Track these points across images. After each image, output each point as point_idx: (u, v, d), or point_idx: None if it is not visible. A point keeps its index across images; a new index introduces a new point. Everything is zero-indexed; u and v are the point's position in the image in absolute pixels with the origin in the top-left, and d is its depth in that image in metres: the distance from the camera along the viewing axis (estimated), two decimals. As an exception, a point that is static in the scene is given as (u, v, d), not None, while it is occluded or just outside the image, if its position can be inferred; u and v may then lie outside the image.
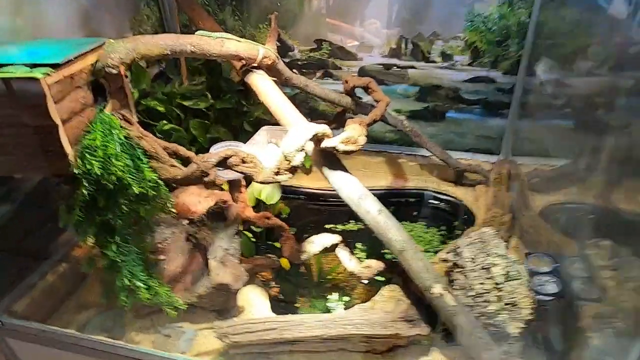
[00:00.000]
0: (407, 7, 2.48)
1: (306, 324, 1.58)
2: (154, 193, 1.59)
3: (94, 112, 1.57)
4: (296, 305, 2.24)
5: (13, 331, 1.74)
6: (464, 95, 2.54)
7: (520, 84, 2.41)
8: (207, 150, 2.25)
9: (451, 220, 2.55)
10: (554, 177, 2.35)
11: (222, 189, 2.10)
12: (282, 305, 2.19)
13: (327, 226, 2.59)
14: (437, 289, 1.55)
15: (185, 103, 2.32)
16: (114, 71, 1.57)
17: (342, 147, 1.77)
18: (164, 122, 2.23)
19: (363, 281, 1.86)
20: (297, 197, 2.80)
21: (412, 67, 2.53)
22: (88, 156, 1.45)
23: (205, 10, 2.53)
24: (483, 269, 1.58)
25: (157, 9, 2.60)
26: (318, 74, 2.70)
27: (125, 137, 1.54)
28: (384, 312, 1.65)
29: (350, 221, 2.60)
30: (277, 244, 2.42)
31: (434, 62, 2.48)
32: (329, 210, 2.79)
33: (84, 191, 1.47)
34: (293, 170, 1.70)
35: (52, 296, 1.94)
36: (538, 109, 2.39)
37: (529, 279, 1.52)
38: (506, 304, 1.51)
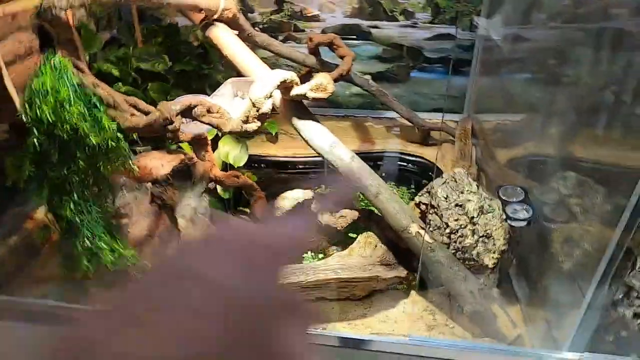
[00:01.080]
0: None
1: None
2: (113, 144, 1.49)
3: (40, 57, 1.44)
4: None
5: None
6: (426, 54, 2.56)
7: (480, 41, 2.46)
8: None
9: (419, 179, 2.58)
10: (514, 131, 2.42)
11: (185, 154, 2.01)
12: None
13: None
14: (414, 227, 1.55)
15: (142, 65, 2.19)
16: (62, 14, 1.45)
17: (311, 94, 1.73)
18: (120, 84, 2.09)
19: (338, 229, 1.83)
20: (264, 167, 2.73)
21: (376, 26, 2.52)
22: (37, 101, 1.33)
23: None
24: (457, 205, 1.59)
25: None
26: (280, 38, 2.64)
27: (78, 84, 1.43)
28: (362, 257, 1.63)
29: (321, 186, 2.57)
30: (247, 209, 2.36)
31: (396, 20, 2.48)
32: (296, 179, 2.75)
33: (34, 141, 1.35)
34: (262, 117, 1.64)
35: (1, 270, 1.78)
36: (497, 65, 2.45)
37: (501, 211, 1.55)
38: (481, 237, 1.53)
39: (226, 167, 2.26)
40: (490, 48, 2.46)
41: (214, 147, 2.22)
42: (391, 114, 2.69)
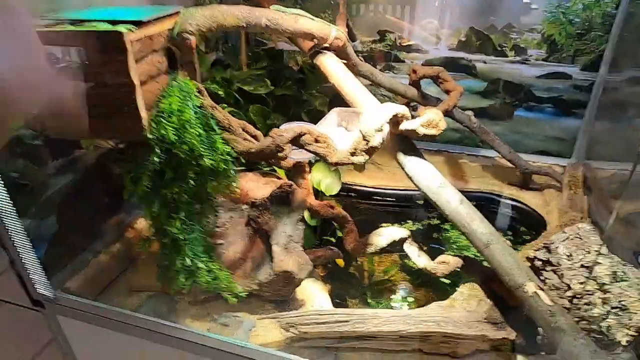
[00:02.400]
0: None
1: (381, 317, 1.44)
2: (225, 167, 1.50)
3: (167, 79, 1.50)
4: (350, 306, 2.10)
5: (64, 307, 1.65)
6: (535, 92, 2.39)
7: (600, 81, 2.25)
8: (265, 136, 2.16)
9: (517, 227, 2.38)
10: (635, 182, 2.16)
11: (279, 178, 2.01)
12: (337, 304, 2.05)
13: (383, 225, 2.45)
14: (531, 286, 1.39)
15: (245, 87, 2.25)
16: (191, 37, 1.51)
17: (422, 130, 1.65)
18: (224, 104, 2.15)
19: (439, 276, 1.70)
20: (349, 195, 2.67)
21: (482, 61, 2.40)
22: (163, 121, 1.37)
23: (268, -3, 2.48)
24: (583, 267, 1.41)
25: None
26: (379, 67, 2.60)
27: (199, 106, 1.47)
28: (466, 311, 1.49)
29: (408, 221, 2.46)
30: (332, 239, 2.31)
31: (505, 56, 2.35)
32: (382, 210, 2.66)
33: (155, 158, 1.39)
34: (371, 151, 1.58)
35: (103, 276, 1.85)
36: (619, 109, 2.22)
37: (639, 282, 1.35)
38: (613, 308, 1.33)
39: (317, 194, 2.22)
40: (611, 90, 2.24)
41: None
42: (488, 153, 2.53)
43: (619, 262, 1.41)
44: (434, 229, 2.44)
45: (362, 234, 1.94)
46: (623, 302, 1.33)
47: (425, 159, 1.72)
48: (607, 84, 2.24)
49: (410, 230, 2.41)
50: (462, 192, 2.52)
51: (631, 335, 1.32)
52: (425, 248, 2.29)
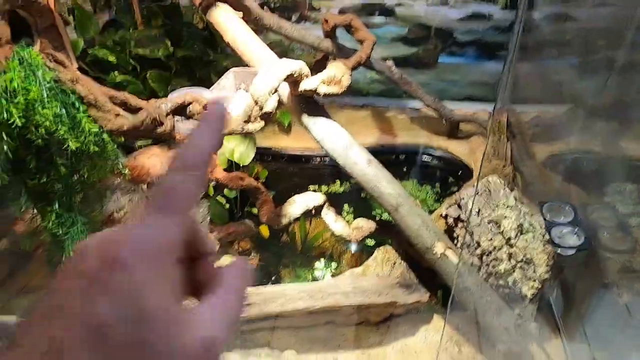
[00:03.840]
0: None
1: (288, 295, 1.35)
2: (97, 149, 1.31)
3: (11, 50, 1.26)
4: (279, 276, 2.03)
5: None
6: (458, 36, 2.27)
7: (519, 21, 2.15)
8: (168, 105, 1.95)
9: (446, 176, 2.34)
10: (557, 124, 2.14)
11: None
12: (264, 277, 1.97)
13: (310, 188, 2.35)
14: (440, 247, 1.33)
15: (141, 51, 2.00)
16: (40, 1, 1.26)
17: (323, 89, 1.51)
18: (116, 72, 1.91)
19: (352, 245, 1.63)
20: (275, 160, 2.54)
21: (399, 4, 2.23)
22: (4, 102, 1.16)
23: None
24: (491, 222, 1.36)
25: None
26: (293, 18, 2.39)
27: (54, 81, 1.25)
28: (378, 278, 1.43)
29: (336, 181, 2.36)
30: (254, 211, 2.19)
31: (425, -3, 2.20)
32: (311, 173, 2.55)
33: (3, 146, 1.18)
34: (266, 117, 1.43)
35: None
36: (540, 49, 2.15)
37: (544, 232, 1.31)
38: (519, 262, 1.30)
39: (232, 164, 2.07)
40: (531, 29, 2.15)
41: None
42: (415, 103, 2.43)
43: (525, 213, 1.37)
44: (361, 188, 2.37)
45: (277, 204, 1.83)
46: (528, 255, 1.30)
47: (331, 119, 1.59)
48: (527, 23, 2.14)
49: (337, 193, 2.34)
50: (390, 146, 2.48)
51: (536, 287, 1.30)
52: (351, 209, 2.23)
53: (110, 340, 0.22)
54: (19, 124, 1.17)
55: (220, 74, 2.24)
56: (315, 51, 2.12)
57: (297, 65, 1.42)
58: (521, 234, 1.32)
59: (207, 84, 2.22)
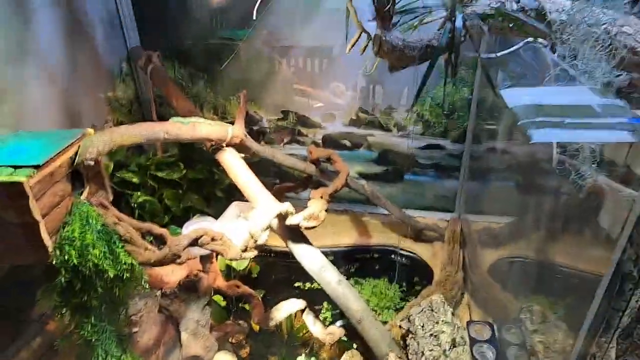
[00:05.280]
0: (365, 80, 2.73)
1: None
2: (128, 275, 1.71)
3: (71, 200, 1.69)
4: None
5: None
6: (419, 160, 2.78)
7: (467, 151, 2.67)
8: (181, 219, 2.38)
9: (412, 276, 2.73)
10: (500, 234, 2.58)
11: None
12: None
13: (296, 284, 2.73)
14: (392, 356, 1.70)
15: (159, 174, 2.46)
16: (92, 163, 1.71)
17: (304, 224, 1.95)
18: (138, 193, 2.35)
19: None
20: (267, 256, 2.93)
21: (371, 134, 2.76)
22: (67, 247, 1.57)
23: (178, 84, 2.72)
24: (432, 335, 1.75)
25: (132, 84, 2.77)
26: (286, 140, 2.90)
27: (101, 225, 1.67)
28: (344, 379, 1.78)
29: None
30: (247, 307, 2.55)
31: (390, 131, 2.72)
32: (298, 268, 2.93)
33: (61, 279, 1.58)
34: (259, 247, 1.86)
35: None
36: (485, 172, 2.64)
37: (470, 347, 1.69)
38: (453, 369, 1.67)
39: (229, 267, 2.46)
40: (475, 158, 2.66)
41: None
42: (386, 210, 2.88)
43: (459, 328, 1.76)
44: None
45: (270, 301, 2.20)
46: (459, 364, 1.67)
47: (310, 245, 2.02)
48: (472, 153, 2.66)
49: (318, 289, 2.71)
50: (365, 246, 2.89)
51: (466, 390, 1.66)
52: (330, 305, 2.58)
53: None
54: (76, 262, 1.57)
55: (223, 190, 2.70)
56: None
57: (284, 208, 1.87)
58: (454, 346, 1.70)
59: (213, 198, 2.68)
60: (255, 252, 1.84)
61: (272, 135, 2.92)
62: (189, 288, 2.02)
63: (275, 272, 2.87)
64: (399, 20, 1.15)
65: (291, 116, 2.82)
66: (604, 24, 1.13)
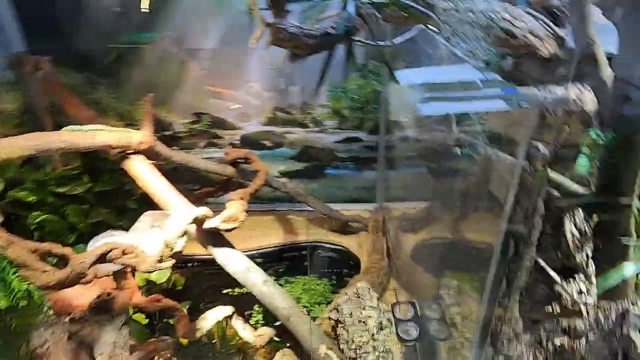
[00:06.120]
0: (280, 79, 2.72)
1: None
2: (25, 302, 1.53)
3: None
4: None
5: None
6: (337, 154, 2.82)
7: (382, 141, 2.76)
8: (89, 237, 2.18)
9: (340, 268, 2.77)
10: (417, 218, 2.70)
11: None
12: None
13: (224, 291, 2.63)
14: (323, 349, 1.70)
15: (61, 190, 2.24)
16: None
17: (223, 226, 1.88)
18: (36, 213, 2.13)
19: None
20: (192, 265, 2.80)
21: (289, 132, 2.76)
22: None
23: (75, 91, 2.51)
24: (360, 321, 1.77)
25: (20, 93, 2.49)
26: (202, 144, 2.80)
27: (-13, 250, 1.47)
28: (277, 380, 1.75)
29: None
30: (171, 321, 2.41)
31: (307, 127, 2.74)
32: (225, 275, 2.83)
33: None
34: (176, 255, 1.76)
35: None
36: (399, 161, 2.76)
37: (395, 327, 1.75)
38: (381, 352, 1.71)
39: (149, 283, 2.31)
40: (389, 148, 2.77)
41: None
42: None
43: (385, 311, 1.81)
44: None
45: (197, 311, 2.10)
46: (387, 346, 1.71)
47: (232, 247, 1.95)
48: (387, 143, 2.77)
49: (248, 292, 2.65)
50: (292, 244, 2.87)
51: (395, 371, 1.70)
52: (261, 308, 2.53)
53: None
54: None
55: (137, 202, 2.53)
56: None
57: (200, 212, 1.79)
58: (381, 329, 1.74)
59: (126, 211, 2.50)
60: (173, 261, 1.74)
61: (187, 139, 2.79)
62: (103, 309, 1.86)
63: (202, 282, 2.75)
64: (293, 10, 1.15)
65: (206, 119, 2.72)
66: (482, 10, 1.23)
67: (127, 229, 2.21)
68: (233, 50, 2.70)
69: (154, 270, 1.72)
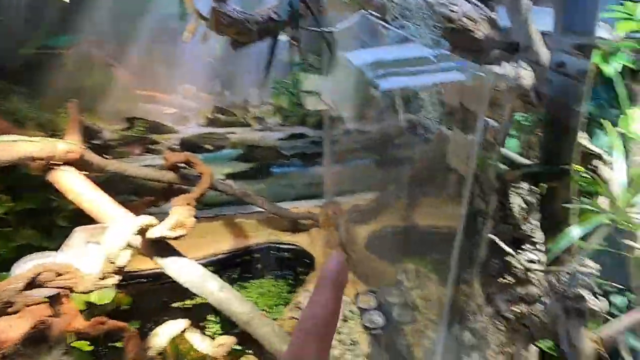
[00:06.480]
0: (219, 78, 2.62)
1: None
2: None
3: None
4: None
5: None
6: (283, 152, 2.78)
7: (327, 135, 2.76)
8: (12, 262, 1.95)
9: (295, 267, 2.72)
10: (369, 209, 2.73)
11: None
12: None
13: (176, 305, 2.48)
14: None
15: (-26, 212, 1.98)
16: None
17: (171, 234, 1.76)
18: (-54, 241, 1.86)
19: None
20: (139, 282, 2.61)
21: (232, 132, 2.66)
22: None
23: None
24: (323, 318, 1.74)
25: None
26: (137, 150, 2.62)
27: None
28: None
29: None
30: (118, 344, 2.23)
31: (250, 126, 2.66)
32: (175, 287, 2.68)
33: None
34: (120, 271, 1.61)
35: None
36: (345, 154, 2.77)
37: (359, 319, 1.74)
38: (348, 345, 1.69)
39: (91, 306, 2.11)
40: (334, 142, 2.78)
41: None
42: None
43: (348, 303, 1.79)
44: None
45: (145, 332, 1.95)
46: (353, 338, 1.69)
47: (182, 255, 1.83)
48: (332, 137, 2.76)
49: (204, 302, 2.52)
50: (244, 248, 2.78)
51: (363, 361, 1.69)
52: (217, 317, 2.42)
53: None
54: None
55: (68, 218, 2.31)
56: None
57: (144, 221, 1.65)
58: (345, 321, 1.72)
59: (55, 229, 2.27)
60: (118, 277, 1.59)
61: (120, 147, 2.60)
62: (38, 340, 1.66)
63: (151, 298, 2.57)
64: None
65: (139, 124, 2.54)
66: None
67: (57, 249, 2.00)
68: (164, 51, 2.56)
69: (96, 290, 1.57)
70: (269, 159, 2.77)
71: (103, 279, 1.57)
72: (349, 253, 2.58)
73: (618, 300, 2.04)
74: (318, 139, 2.77)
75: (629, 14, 1.46)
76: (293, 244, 2.78)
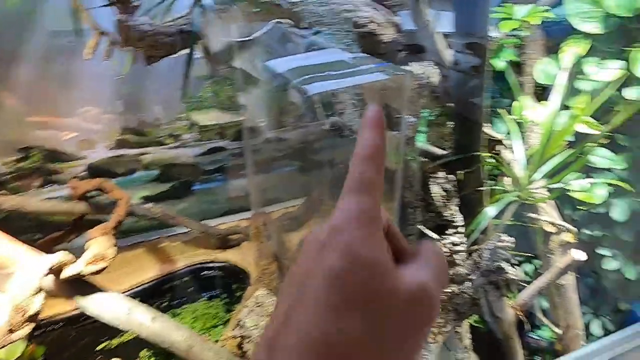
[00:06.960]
0: (123, 96, 2.45)
1: None
2: None
3: None
4: None
5: None
6: (202, 167, 2.68)
7: (247, 146, 2.72)
8: None
9: (230, 284, 2.64)
10: (298, 214, 2.74)
11: None
12: None
13: (100, 347, 2.27)
14: (234, 370, 1.59)
15: None
16: None
17: (89, 270, 1.60)
18: None
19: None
20: (53, 329, 2.34)
21: (145, 153, 2.50)
22: None
23: None
24: (267, 331, 1.71)
25: None
26: (36, 183, 2.35)
27: None
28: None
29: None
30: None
31: (165, 144, 2.53)
32: (98, 327, 2.44)
33: None
34: (34, 318, 1.43)
35: None
36: (268, 162, 2.75)
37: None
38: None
39: (-2, 364, 1.85)
40: (256, 151, 2.75)
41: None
42: (184, 228, 2.69)
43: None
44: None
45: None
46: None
47: (103, 291, 1.68)
48: (253, 147, 2.73)
49: (135, 338, 2.34)
50: (171, 273, 2.63)
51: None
52: (150, 352, 2.26)
53: (339, 282, 0.28)
54: None
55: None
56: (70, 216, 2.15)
57: (56, 259, 1.49)
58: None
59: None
60: (31, 326, 1.41)
61: (15, 181, 2.31)
62: None
63: (70, 344, 2.33)
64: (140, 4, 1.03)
65: (35, 153, 2.28)
66: (332, 3, 1.30)
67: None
68: (58, 71, 2.34)
69: (6, 345, 1.38)
70: (188, 176, 2.66)
71: (12, 331, 1.38)
72: (283, 261, 2.57)
73: (527, 267, 2.28)
74: (238, 151, 2.72)
75: (509, 14, 1.66)
76: (224, 262, 2.69)
